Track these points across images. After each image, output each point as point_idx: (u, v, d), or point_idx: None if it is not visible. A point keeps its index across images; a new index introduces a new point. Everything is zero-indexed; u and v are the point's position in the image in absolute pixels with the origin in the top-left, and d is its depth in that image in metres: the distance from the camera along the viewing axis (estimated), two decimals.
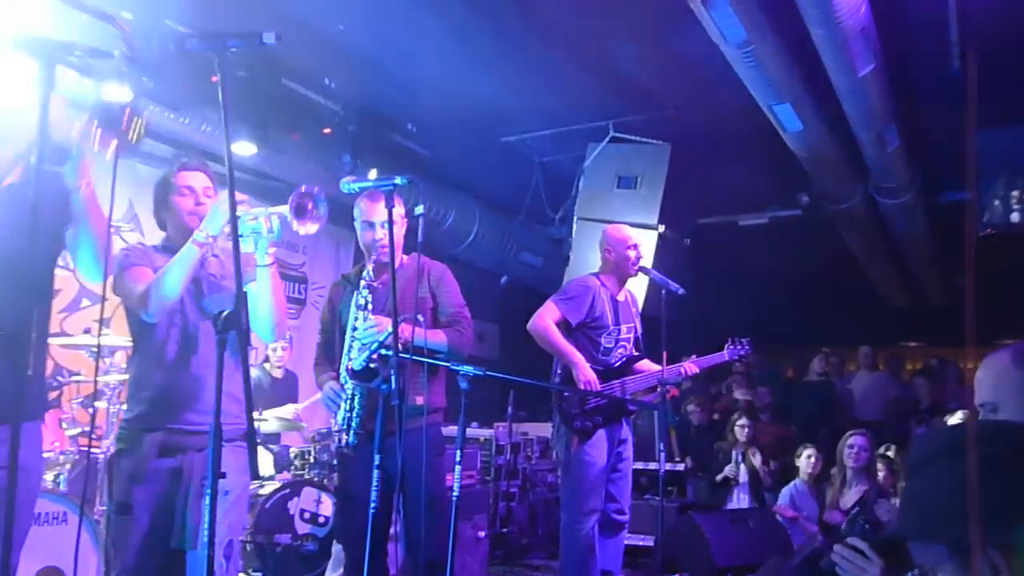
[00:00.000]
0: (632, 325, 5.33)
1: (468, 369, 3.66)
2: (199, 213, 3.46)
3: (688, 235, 10.25)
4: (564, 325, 5.15)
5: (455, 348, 4.02)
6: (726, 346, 5.68)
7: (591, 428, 5.10)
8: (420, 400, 3.84)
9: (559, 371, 5.16)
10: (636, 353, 5.33)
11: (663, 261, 7.37)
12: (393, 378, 3.35)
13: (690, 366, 5.32)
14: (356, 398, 3.92)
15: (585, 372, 5.00)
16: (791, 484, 7.21)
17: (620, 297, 5.33)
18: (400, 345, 3.37)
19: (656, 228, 7.92)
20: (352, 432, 3.92)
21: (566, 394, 5.11)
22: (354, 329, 3.98)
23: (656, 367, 5.25)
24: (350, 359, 3.92)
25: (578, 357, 5.05)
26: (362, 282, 3.98)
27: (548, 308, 5.18)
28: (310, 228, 3.34)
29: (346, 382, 3.96)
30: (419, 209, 3.68)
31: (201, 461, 3.32)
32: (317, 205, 3.34)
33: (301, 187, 3.35)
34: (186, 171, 3.55)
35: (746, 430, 8.15)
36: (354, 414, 3.92)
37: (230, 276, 3.53)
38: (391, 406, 3.38)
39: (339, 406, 3.96)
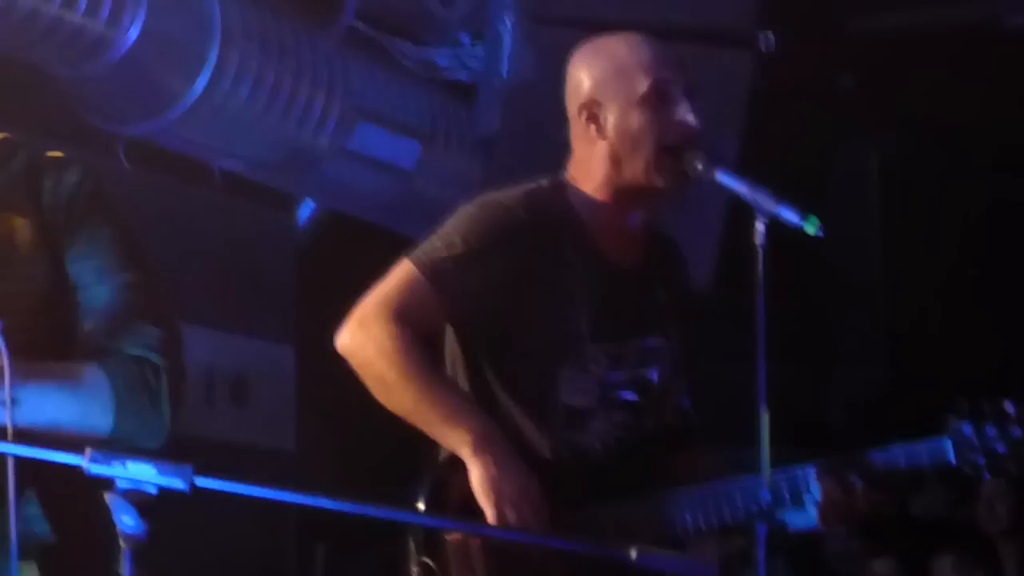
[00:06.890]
0: (658, 342, 2.12)
1: (176, 483, 1.21)
2: None
3: (846, 61, 3.94)
4: (445, 338, 2.11)
5: (129, 420, 1.60)
6: (951, 424, 1.96)
7: None
8: None
9: (443, 459, 2.06)
10: (672, 421, 2.16)
11: (764, 145, 3.06)
12: None
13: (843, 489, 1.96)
14: None
15: (493, 465, 1.93)
16: None
17: (624, 260, 2.11)
18: None
19: (755, 38, 3.21)
20: None
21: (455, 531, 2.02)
22: None
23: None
24: None
25: (474, 420, 1.98)
26: None
27: (396, 282, 2.03)
28: None
29: None
30: None
31: None
32: None
33: None
34: None
35: None
36: None
37: None
38: None
39: None
